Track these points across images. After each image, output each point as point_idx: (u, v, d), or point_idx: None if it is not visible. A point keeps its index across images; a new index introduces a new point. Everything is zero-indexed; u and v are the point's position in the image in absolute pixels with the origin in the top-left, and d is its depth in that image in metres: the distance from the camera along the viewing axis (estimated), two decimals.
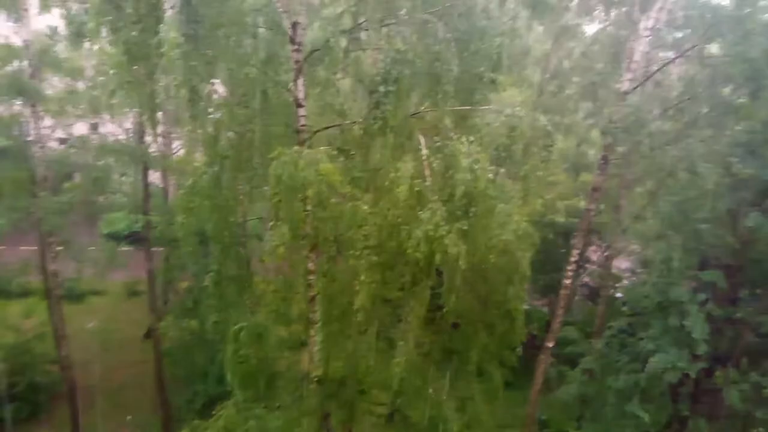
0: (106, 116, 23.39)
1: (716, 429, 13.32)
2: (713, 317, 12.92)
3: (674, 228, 14.04)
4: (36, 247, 23.01)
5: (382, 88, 10.22)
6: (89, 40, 19.81)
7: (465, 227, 9.94)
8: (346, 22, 11.28)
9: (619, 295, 26.51)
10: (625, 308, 18.60)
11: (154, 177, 26.04)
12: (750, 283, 13.56)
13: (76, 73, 21.15)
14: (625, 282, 26.59)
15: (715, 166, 13.23)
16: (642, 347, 14.14)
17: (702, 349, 12.45)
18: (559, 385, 18.50)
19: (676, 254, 13.47)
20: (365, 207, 10.06)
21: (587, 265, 28.26)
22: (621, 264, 28.46)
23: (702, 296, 12.94)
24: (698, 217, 13.81)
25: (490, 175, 10.16)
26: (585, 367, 17.62)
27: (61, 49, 20.74)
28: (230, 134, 12.03)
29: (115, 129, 24.36)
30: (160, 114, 22.69)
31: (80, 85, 21.89)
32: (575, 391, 17.53)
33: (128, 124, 23.95)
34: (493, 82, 11.26)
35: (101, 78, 21.45)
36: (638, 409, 13.54)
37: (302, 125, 11.36)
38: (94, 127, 25.12)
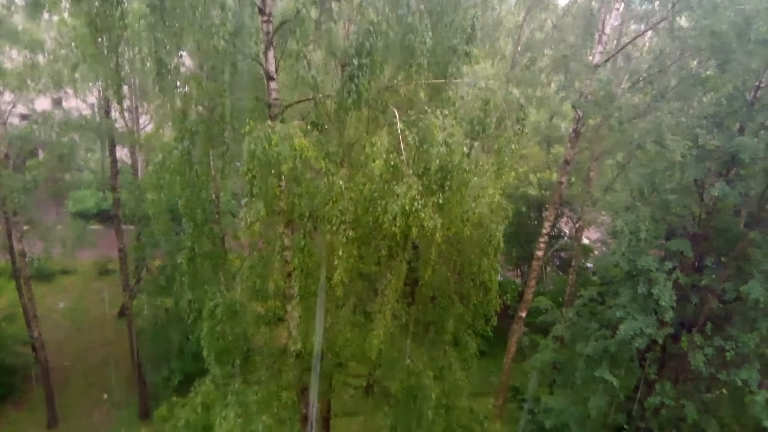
0: (69, 91, 22.61)
1: (681, 391, 13.86)
2: (680, 285, 13.34)
3: (643, 199, 14.34)
4: (0, 227, 22.37)
5: (355, 61, 10.09)
6: (48, 11, 19.00)
7: (440, 201, 9.99)
8: None
9: (589, 265, 27.17)
10: (595, 278, 19.09)
11: (122, 153, 25.41)
12: (715, 251, 13.99)
13: (35, 45, 20.28)
14: (596, 252, 27.22)
15: (683, 138, 13.50)
16: (611, 315, 14.57)
17: (669, 315, 12.87)
18: (532, 353, 18.99)
19: (644, 225, 13.79)
20: (341, 182, 10.00)
21: (559, 237, 28.80)
22: (591, 235, 29.09)
23: (669, 265, 13.32)
24: (666, 188, 14.14)
25: (465, 149, 10.18)
26: (556, 335, 18.11)
27: (18, 20, 19.86)
28: (200, 109, 11.76)
29: (79, 104, 23.61)
30: (125, 88, 22.11)
31: (40, 59, 21.03)
32: (547, 358, 18.03)
33: (93, 99, 23.21)
34: (467, 54, 11.19)
35: (63, 51, 20.68)
36: (607, 374, 14.01)
37: (274, 99, 11.17)
38: (57, 102, 24.29)
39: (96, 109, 22.94)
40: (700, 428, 13.41)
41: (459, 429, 13.43)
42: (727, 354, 12.80)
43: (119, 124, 23.29)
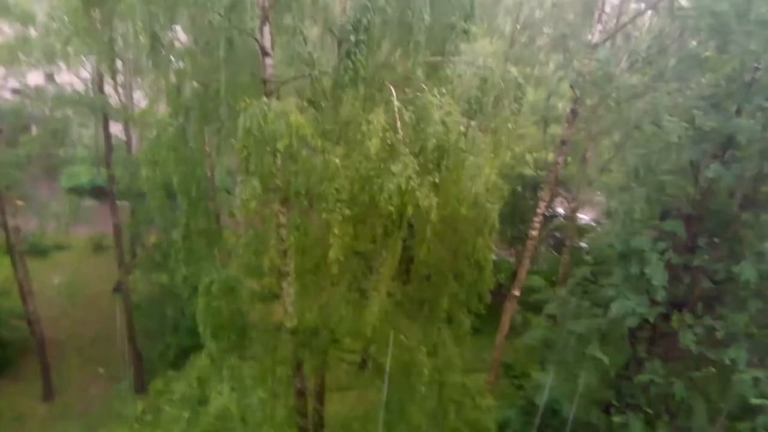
0: (62, 65, 22.30)
1: (670, 369, 14.09)
2: (672, 265, 13.46)
3: (638, 180, 14.38)
4: None
5: (352, 37, 9.98)
6: None
7: (436, 180, 10.00)
8: None
9: (583, 244, 27.33)
10: (588, 257, 19.22)
11: (116, 129, 25.19)
12: (708, 232, 14.07)
13: (27, 18, 19.93)
14: (590, 233, 27.37)
15: (680, 120, 13.48)
16: (603, 294, 14.72)
17: (660, 295, 13.00)
18: (524, 331, 19.21)
19: (639, 205, 13.86)
20: (337, 160, 9.98)
21: (554, 217, 28.90)
22: (586, 215, 29.21)
23: (662, 245, 13.42)
24: (662, 168, 14.16)
25: (462, 128, 10.16)
26: (548, 313, 18.30)
27: None
28: (194, 84, 11.65)
29: (73, 79, 23.31)
30: (119, 63, 21.84)
31: (32, 32, 20.70)
32: (539, 335, 18.25)
33: (86, 74, 22.90)
34: (465, 32, 11.08)
35: (55, 24, 20.33)
36: (598, 351, 14.22)
37: (269, 75, 11.07)
38: (50, 77, 23.99)
39: (89, 84, 22.63)
40: (688, 405, 13.67)
41: (451, 404, 13.63)
42: (717, 333, 12.98)
43: (113, 100, 23.04)
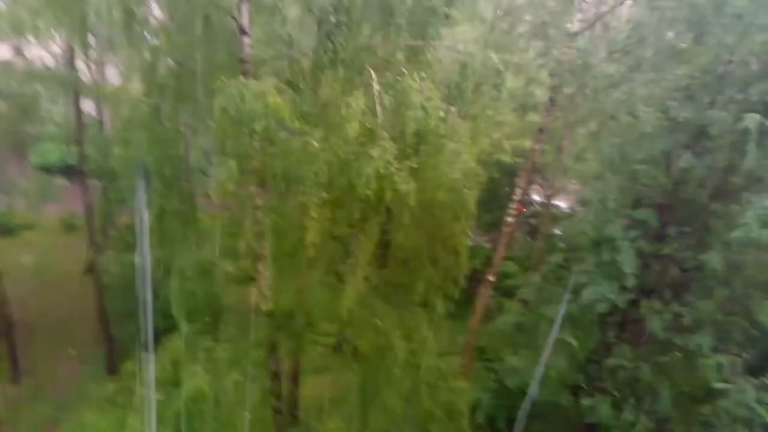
0: (31, 38, 21.50)
1: (638, 354, 14.47)
2: (643, 253, 13.77)
3: (613, 169, 14.60)
4: None
5: (332, 18, 9.85)
6: None
7: (415, 165, 10.00)
8: None
9: (557, 231, 27.72)
10: (562, 244, 19.53)
11: (88, 107, 24.53)
12: (678, 221, 14.40)
13: None
14: (564, 220, 27.74)
15: (655, 110, 13.68)
16: (575, 280, 15.01)
17: (631, 282, 13.31)
18: (498, 316, 19.48)
19: (612, 194, 14.09)
20: (315, 143, 9.89)
21: (529, 204, 29.22)
22: (561, 202, 29.58)
23: (633, 233, 13.70)
24: (635, 158, 14.39)
25: (441, 114, 10.14)
26: (522, 298, 18.60)
27: None
28: (169, 62, 11.38)
29: (42, 53, 22.53)
30: (91, 38, 21.15)
31: (0, 4, 19.91)
32: (512, 320, 18.55)
33: (56, 48, 22.17)
34: (446, 16, 11.02)
35: None
36: (569, 336, 14.53)
37: (247, 55, 10.87)
38: (18, 51, 23.14)
39: (60, 59, 21.92)
40: (654, 389, 14.08)
41: (425, 386, 13.79)
42: (684, 319, 13.35)
43: (84, 76, 22.37)
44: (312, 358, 20.96)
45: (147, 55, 11.24)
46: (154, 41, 11.25)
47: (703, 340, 12.98)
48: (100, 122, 25.51)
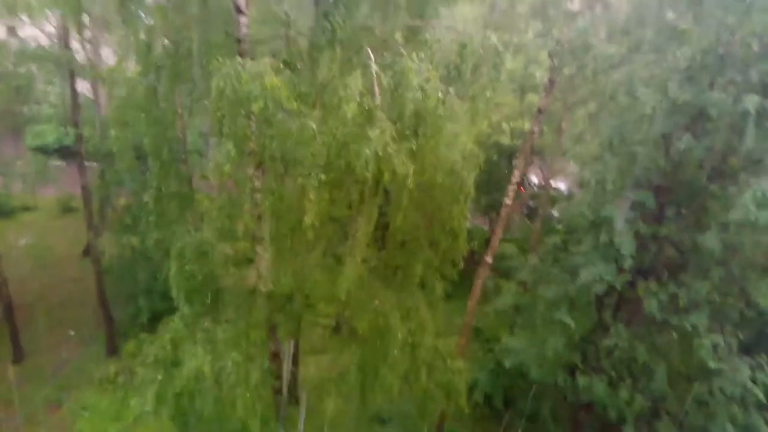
0: (25, 18, 21.24)
1: (634, 334, 14.60)
2: (640, 234, 13.81)
3: (612, 150, 14.56)
4: None
5: None
6: None
7: (413, 147, 9.96)
8: None
9: (555, 213, 27.77)
10: (560, 226, 19.56)
11: (84, 87, 24.30)
12: (676, 203, 14.42)
13: None
14: (562, 202, 27.77)
15: (654, 91, 13.60)
16: (573, 261, 15.06)
17: (628, 263, 13.37)
18: (496, 297, 19.59)
19: (611, 176, 14.06)
20: (313, 124, 9.83)
21: (528, 186, 29.22)
22: (559, 184, 29.59)
23: (631, 215, 13.72)
24: (634, 140, 14.35)
25: (440, 95, 10.08)
26: (519, 280, 18.68)
27: None
28: (165, 42, 11.25)
29: (37, 33, 22.27)
30: (86, 17, 20.89)
31: None
32: (510, 301, 18.66)
33: (51, 28, 21.90)
34: None
35: None
36: (566, 316, 14.62)
37: (244, 34, 10.75)
38: (12, 31, 22.86)
39: (54, 39, 21.66)
40: (650, 368, 14.23)
41: (424, 366, 13.92)
42: (680, 300, 13.44)
43: (80, 56, 22.14)
44: (311, 338, 21.17)
45: (142, 34, 11.11)
46: (150, 20, 11.11)
47: (699, 320, 13.09)
48: (97, 103, 25.29)
